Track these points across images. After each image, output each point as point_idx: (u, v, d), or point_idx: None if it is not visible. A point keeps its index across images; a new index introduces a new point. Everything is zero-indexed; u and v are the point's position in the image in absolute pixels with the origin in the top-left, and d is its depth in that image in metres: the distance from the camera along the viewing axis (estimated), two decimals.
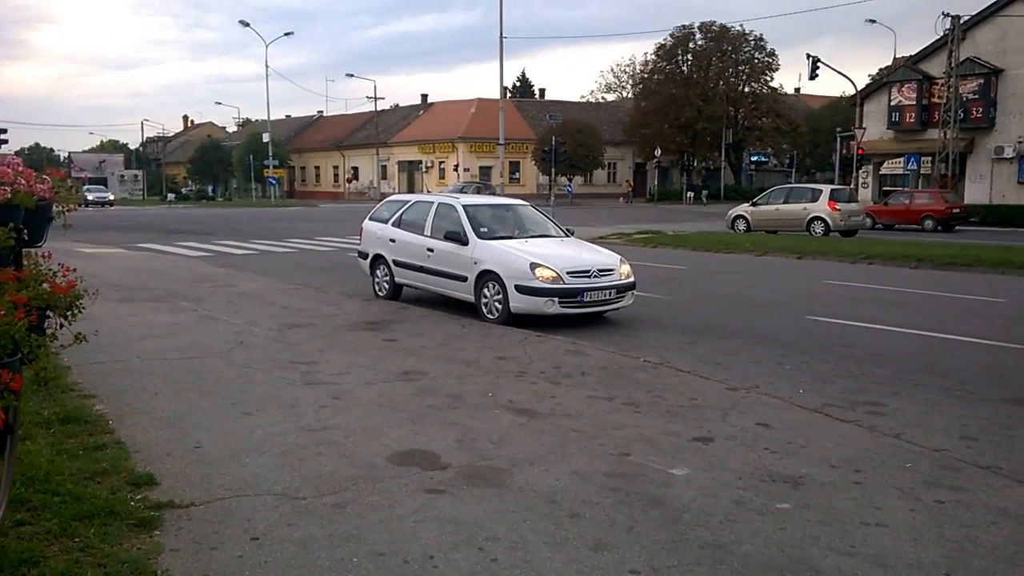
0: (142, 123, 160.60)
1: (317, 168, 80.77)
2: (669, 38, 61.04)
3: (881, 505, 4.53)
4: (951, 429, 6.17)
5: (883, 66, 56.93)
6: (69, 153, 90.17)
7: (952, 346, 9.30)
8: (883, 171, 41.51)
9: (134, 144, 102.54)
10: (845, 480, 4.90)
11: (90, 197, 55.62)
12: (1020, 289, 14.26)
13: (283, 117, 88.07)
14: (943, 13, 35.54)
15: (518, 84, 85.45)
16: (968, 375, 7.88)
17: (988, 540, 4.12)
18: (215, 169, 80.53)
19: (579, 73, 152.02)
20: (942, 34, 36.59)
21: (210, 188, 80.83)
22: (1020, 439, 6.02)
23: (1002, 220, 32.69)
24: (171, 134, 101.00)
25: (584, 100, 78.17)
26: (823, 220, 26.07)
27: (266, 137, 64.13)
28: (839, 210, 26.21)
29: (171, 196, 67.60)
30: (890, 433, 5.90)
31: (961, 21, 35.93)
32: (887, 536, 4.14)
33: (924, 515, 4.42)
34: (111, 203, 57.85)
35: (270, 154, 63.06)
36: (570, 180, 59.46)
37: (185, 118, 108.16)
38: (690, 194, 59.06)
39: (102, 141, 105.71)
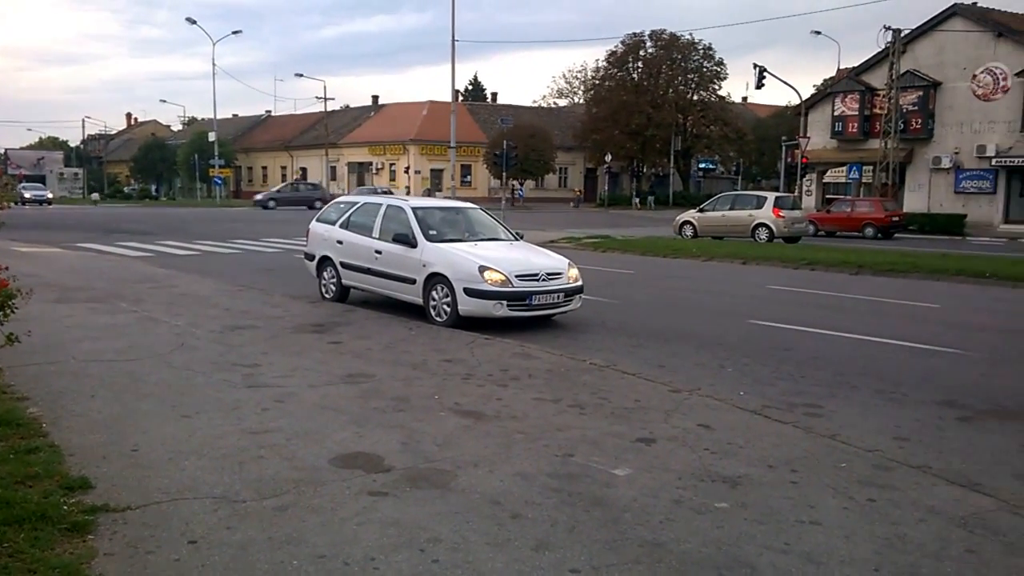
0: (83, 120, 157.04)
1: (264, 168, 79.52)
2: (620, 45, 61.72)
3: (815, 504, 4.65)
4: (885, 430, 6.37)
5: (827, 77, 58.43)
6: (5, 150, 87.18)
7: (888, 350, 9.58)
8: (826, 179, 42.54)
9: (75, 141, 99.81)
10: (782, 480, 5.02)
11: (27, 195, 53.87)
12: (954, 295, 14.76)
13: (230, 116, 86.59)
14: (885, 26, 36.61)
15: (470, 87, 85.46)
16: (902, 378, 8.12)
17: (916, 536, 4.26)
18: (159, 168, 78.77)
19: (531, 78, 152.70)
20: (884, 47, 37.65)
21: (154, 187, 79.03)
22: (950, 440, 6.23)
23: (939, 228, 33.75)
24: (114, 132, 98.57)
25: (536, 105, 78.60)
26: (768, 227, 26.61)
27: (212, 136, 62.98)
28: (783, 217, 26.78)
29: (95, 196, 64.38)
30: (826, 434, 6.06)
31: (902, 35, 37.05)
32: (820, 534, 4.26)
33: (856, 513, 4.55)
34: (49, 201, 56.11)
35: (216, 153, 61.94)
36: (521, 184, 59.63)
37: (128, 116, 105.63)
38: (636, 200, 59.48)
39: (41, 138, 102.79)
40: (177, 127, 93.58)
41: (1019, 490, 5.14)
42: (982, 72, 36.37)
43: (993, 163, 36.22)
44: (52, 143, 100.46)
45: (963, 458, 5.76)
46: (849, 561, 3.95)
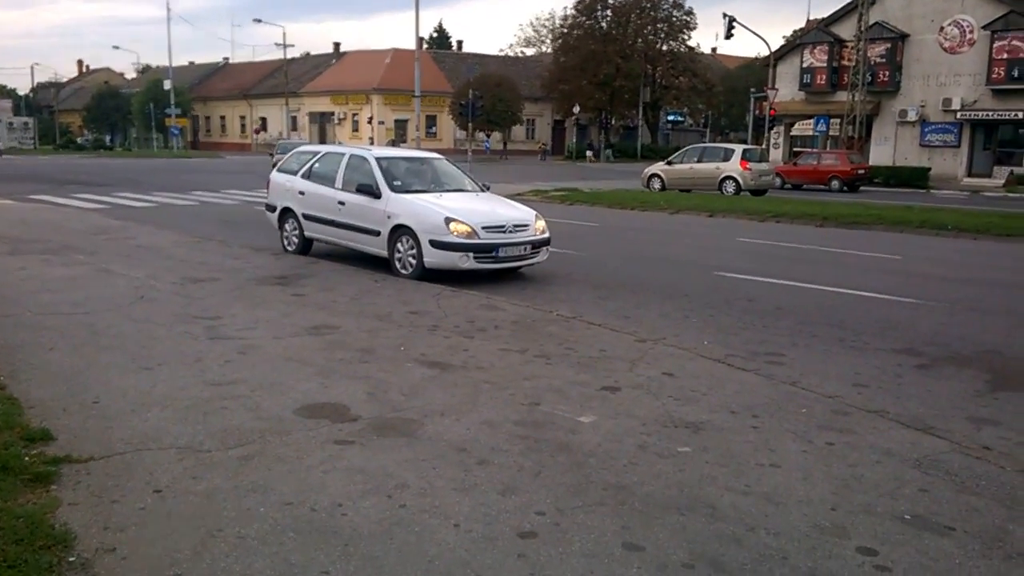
0: (32, 67, 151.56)
1: (223, 118, 77.82)
2: None
3: (776, 448, 4.75)
4: (844, 377, 6.50)
5: (797, 28, 58.38)
6: None
7: (850, 300, 9.74)
8: (794, 132, 42.76)
9: (24, 90, 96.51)
10: (743, 425, 5.11)
11: None
12: (916, 246, 15.02)
13: (186, 64, 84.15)
14: None
15: (435, 35, 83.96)
16: (863, 327, 8.28)
17: (872, 477, 4.38)
18: (113, 118, 76.65)
19: (498, 26, 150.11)
20: None
21: (108, 138, 76.95)
22: (907, 385, 6.38)
23: (904, 181, 34.15)
24: (65, 80, 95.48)
25: (503, 54, 77.53)
26: (735, 179, 26.74)
27: (167, 84, 61.14)
28: (750, 170, 26.91)
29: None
30: (787, 381, 6.17)
31: None
32: (780, 475, 4.35)
33: (815, 456, 4.65)
34: (0, 152, 54.53)
35: (172, 102, 60.26)
36: (488, 136, 59.11)
37: (80, 63, 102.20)
38: (590, 153, 58.77)
39: None
40: (131, 75, 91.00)
41: (972, 433, 5.30)
42: (949, 24, 36.54)
43: (958, 116, 36.62)
44: (0, 91, 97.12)
45: (920, 403, 5.90)
46: (807, 501, 4.05)
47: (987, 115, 35.94)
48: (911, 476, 4.41)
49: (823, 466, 4.50)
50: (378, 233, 10.54)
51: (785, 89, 40.76)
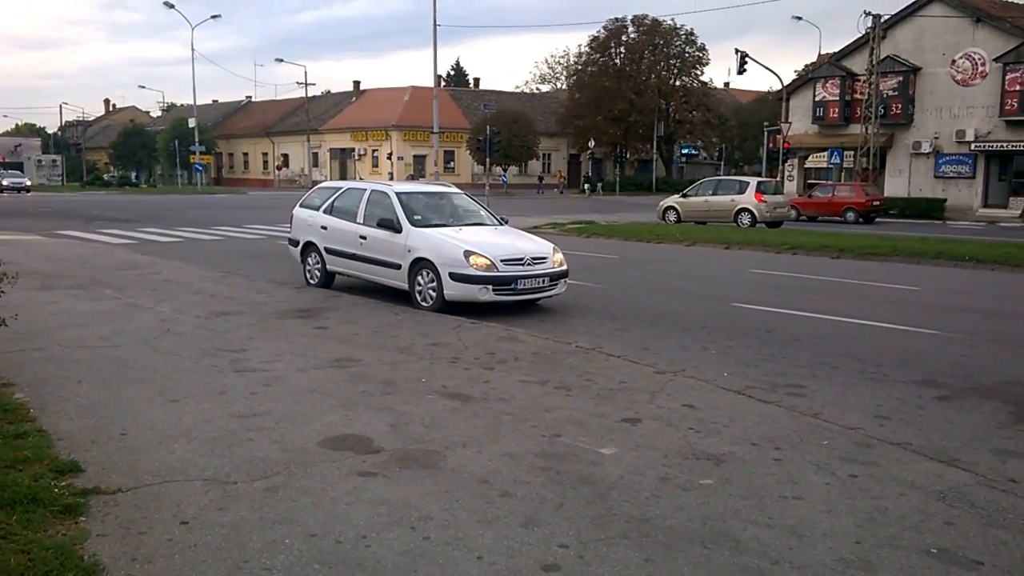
0: (61, 106, 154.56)
1: (245, 155, 78.90)
2: (602, 30, 61.70)
3: (799, 480, 4.74)
4: (866, 409, 6.47)
5: (808, 62, 58.68)
6: None
7: (869, 331, 9.71)
8: (808, 164, 42.79)
9: (52, 128, 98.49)
10: (765, 457, 5.10)
11: (5, 183, 53.34)
12: (933, 277, 14.95)
13: (210, 102, 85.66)
14: (865, 12, 36.82)
15: (452, 73, 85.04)
16: (883, 358, 8.24)
17: (896, 510, 4.36)
18: (139, 155, 77.93)
19: (514, 63, 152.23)
20: (864, 32, 37.88)
21: (133, 174, 78.22)
22: (929, 417, 6.34)
23: (919, 212, 34.09)
24: (92, 118, 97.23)
25: (519, 91, 78.39)
26: (750, 211, 26.77)
27: (192, 122, 62.31)
28: (765, 202, 26.95)
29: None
30: (808, 413, 6.16)
31: (882, 20, 37.24)
32: (803, 508, 4.34)
33: (838, 488, 4.64)
34: (28, 189, 55.51)
35: (196, 140, 61.33)
36: (505, 170, 59.60)
37: (107, 102, 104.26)
38: (586, 186, 58.99)
39: (18, 124, 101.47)
40: (156, 113, 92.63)
41: (996, 465, 5.25)
42: (961, 57, 36.63)
43: (972, 148, 36.54)
44: (29, 130, 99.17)
45: (942, 435, 5.87)
46: (831, 534, 4.04)
47: (1001, 146, 35.85)
48: (936, 509, 4.39)
49: (847, 499, 4.49)
50: (399, 266, 10.65)
51: (798, 122, 40.89)
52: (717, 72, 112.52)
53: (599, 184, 59.48)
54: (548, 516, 4.15)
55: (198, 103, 63.58)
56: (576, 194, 58.77)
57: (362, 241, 11.20)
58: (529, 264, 10.34)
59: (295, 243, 12.66)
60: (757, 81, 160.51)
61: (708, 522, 4.14)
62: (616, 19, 61.21)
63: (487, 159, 38.14)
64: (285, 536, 3.86)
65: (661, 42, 61.70)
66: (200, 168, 63.25)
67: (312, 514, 4.10)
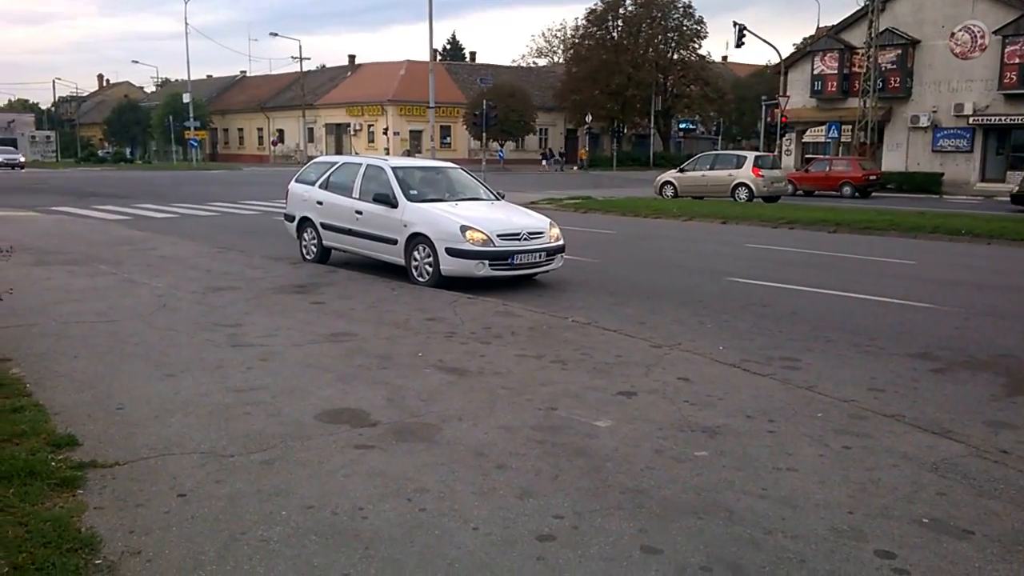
0: (54, 82, 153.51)
1: (240, 130, 78.45)
2: (600, 3, 61.19)
3: (792, 451, 4.77)
4: (860, 381, 6.50)
5: (807, 35, 58.27)
6: None
7: (865, 305, 9.73)
8: (805, 139, 42.64)
9: (45, 104, 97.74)
10: (759, 429, 5.13)
11: None
12: (930, 252, 14.96)
13: (204, 77, 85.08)
14: None
15: (448, 47, 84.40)
16: (878, 332, 8.27)
17: (889, 481, 4.39)
18: (133, 131, 77.45)
19: (510, 37, 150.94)
20: (863, 5, 37.60)
21: (128, 150, 77.78)
22: (923, 390, 6.38)
23: (916, 187, 34.01)
24: (85, 94, 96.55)
25: (516, 65, 77.82)
26: (747, 186, 26.70)
27: (186, 98, 61.93)
28: (762, 176, 26.88)
29: None
30: (803, 385, 6.18)
31: None
32: (797, 479, 4.37)
33: (832, 460, 4.67)
34: (22, 165, 55.21)
35: (191, 115, 61.00)
36: (502, 145, 59.33)
37: (100, 77, 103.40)
38: (544, 163, 58.19)
39: (11, 100, 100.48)
40: (150, 89, 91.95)
41: (989, 437, 5.29)
42: (960, 30, 36.38)
43: (970, 122, 36.40)
44: (22, 106, 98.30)
45: (936, 407, 5.90)
46: (824, 504, 4.07)
47: (1000, 120, 35.72)
48: (929, 480, 4.42)
49: (840, 470, 4.52)
50: (395, 242, 10.63)
51: (796, 96, 40.67)
52: (715, 46, 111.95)
53: (563, 159, 57.70)
54: (543, 488, 4.18)
55: (192, 78, 63.21)
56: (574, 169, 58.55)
57: (358, 216, 11.16)
58: (526, 239, 10.32)
59: (291, 218, 12.61)
60: (755, 55, 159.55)
61: (702, 493, 4.16)
62: None
63: (483, 134, 37.94)
64: (282, 508, 3.88)
65: (659, 15, 61.24)
66: (195, 144, 62.93)
67: (309, 486, 4.12)
